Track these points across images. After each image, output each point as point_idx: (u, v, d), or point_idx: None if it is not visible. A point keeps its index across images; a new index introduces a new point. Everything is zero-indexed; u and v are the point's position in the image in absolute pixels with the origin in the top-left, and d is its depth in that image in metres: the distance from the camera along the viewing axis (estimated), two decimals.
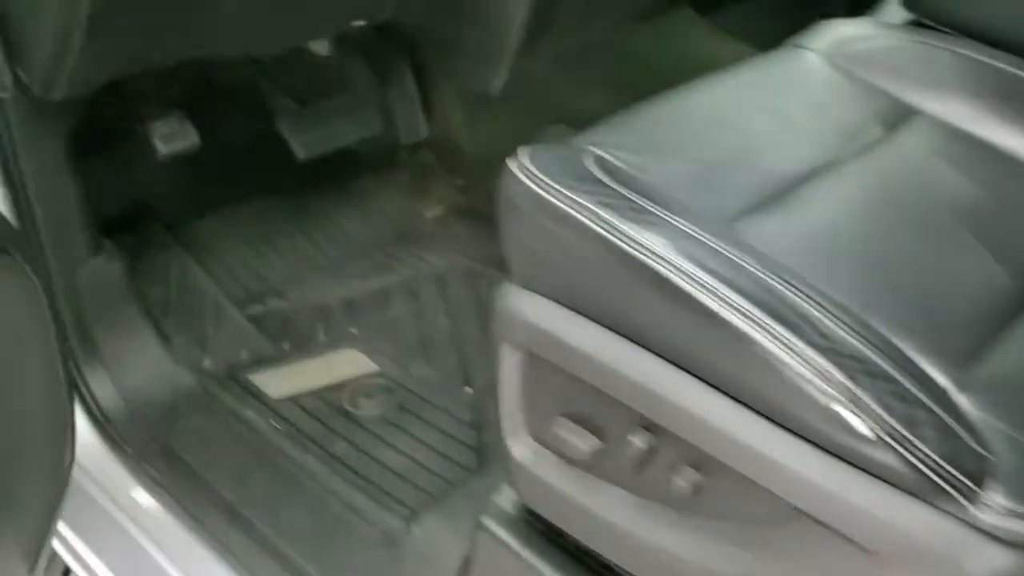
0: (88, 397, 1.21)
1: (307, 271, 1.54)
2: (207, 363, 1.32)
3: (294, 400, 1.28)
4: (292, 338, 1.40)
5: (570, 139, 0.95)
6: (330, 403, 1.27)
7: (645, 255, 0.79)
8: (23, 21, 1.01)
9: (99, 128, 1.26)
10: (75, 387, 1.21)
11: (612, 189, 0.85)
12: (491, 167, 1.77)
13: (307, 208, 1.65)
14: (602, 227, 0.81)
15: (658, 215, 0.82)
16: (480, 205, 1.77)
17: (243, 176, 1.57)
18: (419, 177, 1.78)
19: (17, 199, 1.16)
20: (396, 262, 1.60)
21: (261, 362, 1.34)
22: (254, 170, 1.59)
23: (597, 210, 0.81)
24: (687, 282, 0.77)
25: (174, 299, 1.39)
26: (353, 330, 1.42)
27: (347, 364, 1.35)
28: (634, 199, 0.84)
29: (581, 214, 0.82)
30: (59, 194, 1.18)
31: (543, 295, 0.87)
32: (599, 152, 0.90)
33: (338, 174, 1.68)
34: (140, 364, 1.26)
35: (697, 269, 0.78)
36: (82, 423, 1.21)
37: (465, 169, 1.79)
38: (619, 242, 0.80)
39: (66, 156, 1.16)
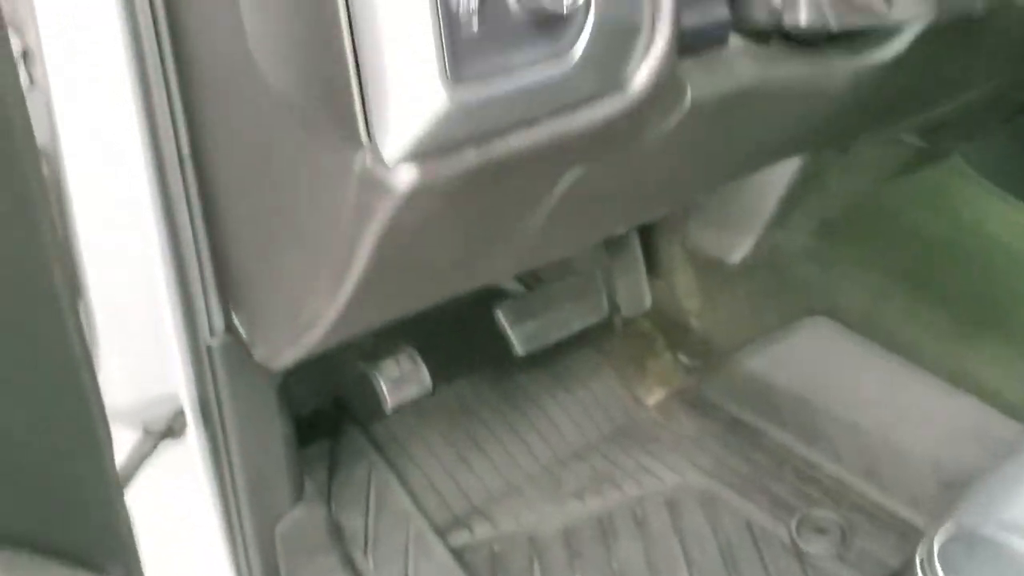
0: None
1: (516, 482, 1.32)
2: None
3: None
4: None
5: (979, 521, 0.69)
6: None
7: None
8: (254, 279, 0.82)
9: None
10: None
11: None
12: (725, 349, 1.56)
13: (514, 395, 1.43)
14: None
15: None
16: (709, 395, 1.52)
17: (444, 357, 1.36)
18: (637, 351, 1.54)
19: (216, 448, 0.97)
20: (617, 471, 1.36)
21: None
22: (457, 349, 1.38)
23: None
24: None
25: (371, 528, 1.19)
26: None
27: None
28: None
29: None
30: (264, 442, 0.98)
31: None
32: None
33: (548, 350, 1.45)
34: None
35: None
36: None
37: (692, 346, 1.54)
38: None
39: (277, 402, 0.96)
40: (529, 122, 0.61)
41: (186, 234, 0.85)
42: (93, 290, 0.89)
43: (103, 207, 0.85)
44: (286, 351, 0.81)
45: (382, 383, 0.99)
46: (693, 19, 0.76)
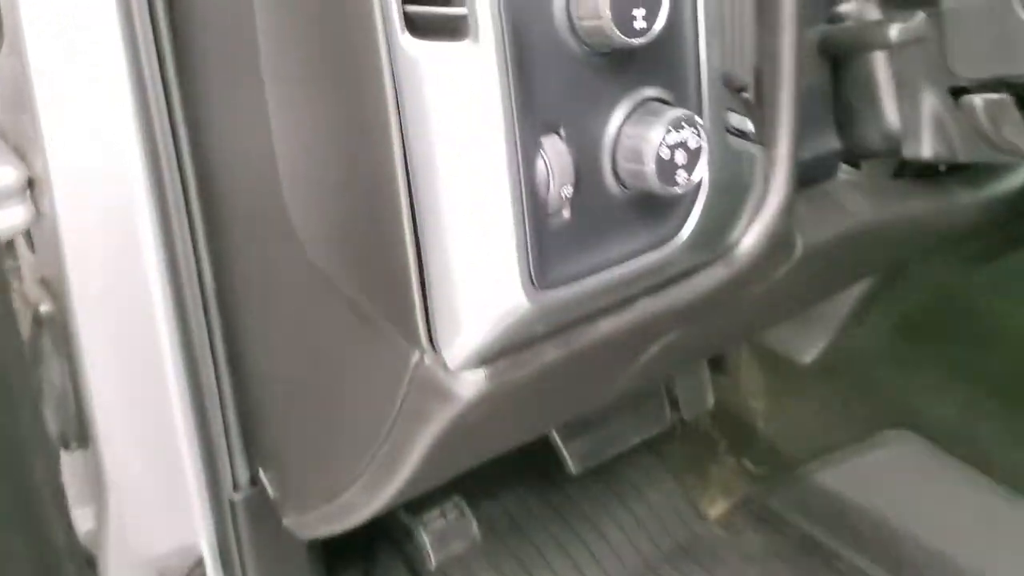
0: None
1: None
2: None
3: None
4: None
5: None
6: None
7: None
8: (285, 446, 0.71)
9: None
10: None
11: None
12: (794, 457, 1.43)
13: (565, 510, 1.30)
14: None
15: None
16: (778, 508, 1.39)
17: (490, 472, 1.24)
18: (698, 455, 1.42)
19: None
20: None
21: None
22: (504, 463, 1.26)
23: None
24: None
25: None
26: None
27: None
28: None
29: None
30: None
31: None
32: None
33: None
34: None
35: None
36: None
37: (758, 452, 1.41)
38: None
39: (307, 560, 0.86)
40: (621, 305, 0.51)
41: (209, 382, 0.75)
42: (102, 438, 0.79)
43: (116, 351, 0.76)
44: (320, 527, 0.70)
45: (426, 538, 0.88)
46: (800, 153, 0.66)
